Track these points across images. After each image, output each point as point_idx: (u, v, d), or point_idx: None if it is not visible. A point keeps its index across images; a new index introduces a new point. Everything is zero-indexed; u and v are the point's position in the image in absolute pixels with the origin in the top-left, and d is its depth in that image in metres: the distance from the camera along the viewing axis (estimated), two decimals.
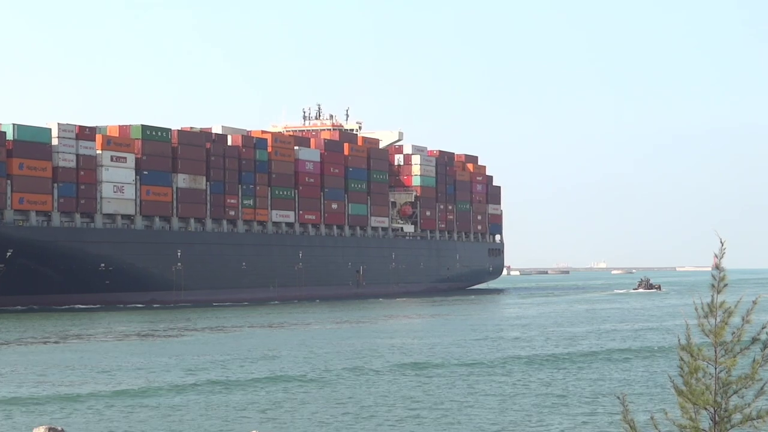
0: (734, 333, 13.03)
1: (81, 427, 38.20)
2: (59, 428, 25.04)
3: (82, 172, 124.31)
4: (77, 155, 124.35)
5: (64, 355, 64.81)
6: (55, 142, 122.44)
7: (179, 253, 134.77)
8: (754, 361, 12.97)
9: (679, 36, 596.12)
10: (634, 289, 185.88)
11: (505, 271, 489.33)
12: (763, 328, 13.02)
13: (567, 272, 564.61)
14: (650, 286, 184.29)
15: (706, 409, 12.91)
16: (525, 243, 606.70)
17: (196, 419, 40.56)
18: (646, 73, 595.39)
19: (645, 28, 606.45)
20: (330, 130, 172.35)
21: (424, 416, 40.71)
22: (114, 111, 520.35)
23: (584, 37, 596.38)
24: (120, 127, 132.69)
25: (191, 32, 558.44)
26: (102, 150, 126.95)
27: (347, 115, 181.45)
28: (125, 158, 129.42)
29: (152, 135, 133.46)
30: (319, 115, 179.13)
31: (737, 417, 12.93)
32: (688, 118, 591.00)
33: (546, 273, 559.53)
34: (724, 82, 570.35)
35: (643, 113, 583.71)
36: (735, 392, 12.95)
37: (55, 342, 75.04)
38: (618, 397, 13.31)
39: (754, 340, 13.07)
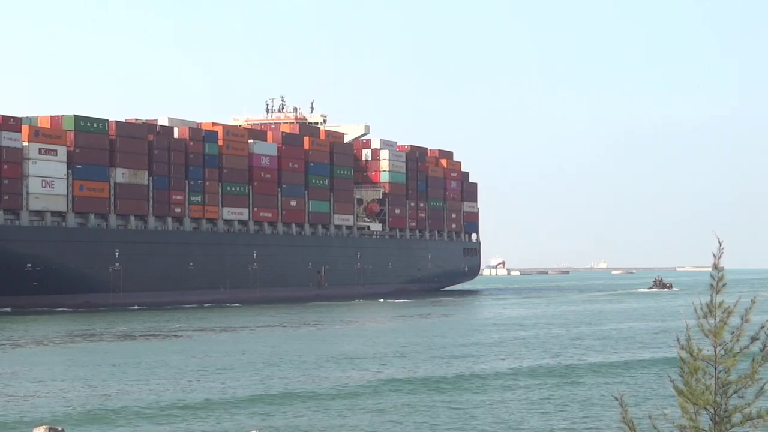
0: (734, 333, 13.27)
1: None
2: (60, 428, 24.76)
3: (5, 166, 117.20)
4: (0, 147, 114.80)
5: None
6: None
7: (117, 253, 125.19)
8: (753, 360, 13.25)
9: (676, 26, 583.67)
10: (648, 288, 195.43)
11: (504, 271, 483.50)
12: (762, 328, 13.25)
13: (567, 272, 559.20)
14: (663, 285, 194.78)
15: (706, 409, 13.15)
16: (525, 243, 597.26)
17: (195, 421, 40.43)
18: (642, 70, 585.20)
19: (636, 23, 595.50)
20: (292, 123, 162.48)
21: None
22: (73, 104, 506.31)
23: (578, 29, 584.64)
24: (51, 117, 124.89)
25: (148, 26, 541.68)
26: (29, 142, 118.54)
27: (312, 108, 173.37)
28: (55, 151, 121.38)
29: (87, 126, 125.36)
30: (283, 108, 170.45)
31: (737, 417, 13.21)
32: (684, 117, 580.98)
33: (546, 273, 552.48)
34: (723, 80, 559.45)
35: (639, 112, 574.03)
36: (735, 392, 13.21)
37: None
38: (616, 398, 13.39)
39: (753, 339, 13.31)
